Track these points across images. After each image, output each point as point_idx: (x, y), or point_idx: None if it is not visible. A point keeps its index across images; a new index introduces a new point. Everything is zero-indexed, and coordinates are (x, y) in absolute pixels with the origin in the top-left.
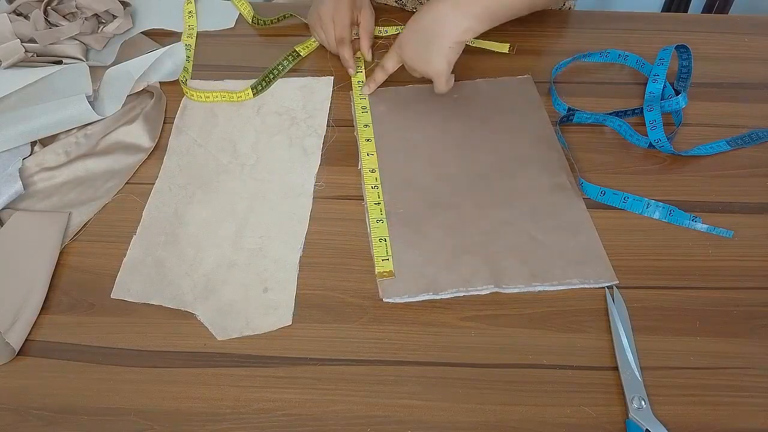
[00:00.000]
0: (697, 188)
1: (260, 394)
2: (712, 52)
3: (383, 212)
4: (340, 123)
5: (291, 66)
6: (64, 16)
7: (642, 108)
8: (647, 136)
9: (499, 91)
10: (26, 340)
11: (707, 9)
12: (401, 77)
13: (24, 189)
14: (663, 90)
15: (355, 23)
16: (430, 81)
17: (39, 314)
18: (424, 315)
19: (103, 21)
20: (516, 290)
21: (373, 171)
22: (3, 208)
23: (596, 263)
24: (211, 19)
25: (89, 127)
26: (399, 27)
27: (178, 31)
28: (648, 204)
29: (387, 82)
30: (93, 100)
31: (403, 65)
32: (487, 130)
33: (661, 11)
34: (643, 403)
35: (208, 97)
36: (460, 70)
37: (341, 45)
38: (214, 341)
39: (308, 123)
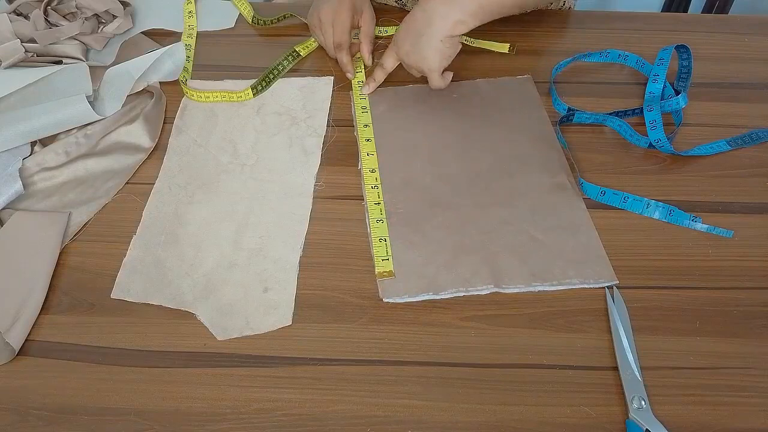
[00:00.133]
0: (697, 188)
1: (260, 394)
2: (712, 52)
3: (383, 212)
4: (340, 123)
5: (291, 66)
6: (64, 16)
7: (642, 108)
8: (647, 136)
9: (499, 91)
10: (26, 340)
11: (707, 9)
12: (401, 77)
13: (24, 189)
14: (663, 90)
15: (355, 27)
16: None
17: (39, 314)
18: (424, 315)
19: (103, 21)
20: (516, 290)
21: (373, 171)
22: (3, 208)
23: (596, 263)
24: (211, 19)
25: (89, 127)
26: (399, 27)
27: (178, 31)
28: (648, 204)
29: (387, 82)
30: (93, 100)
31: (401, 63)
32: (487, 130)
33: (661, 11)
34: (643, 403)
35: (208, 97)
36: (460, 70)
37: (339, 50)
38: (214, 341)
39: (308, 123)
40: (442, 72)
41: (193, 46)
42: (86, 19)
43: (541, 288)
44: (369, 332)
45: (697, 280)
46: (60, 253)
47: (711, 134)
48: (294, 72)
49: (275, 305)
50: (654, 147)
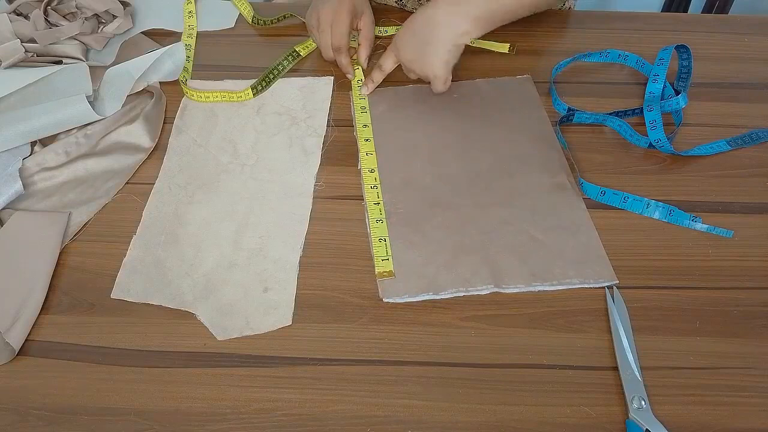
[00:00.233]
0: (697, 188)
1: (260, 394)
2: (712, 52)
3: (383, 212)
4: (340, 123)
5: (291, 66)
6: (64, 16)
7: (642, 108)
8: (647, 136)
9: (499, 91)
10: (26, 340)
11: (707, 9)
12: (401, 77)
13: (24, 189)
14: (663, 90)
15: (354, 29)
16: (428, 81)
17: (39, 314)
18: (424, 315)
19: (103, 21)
20: (516, 290)
21: (372, 171)
22: (3, 208)
23: (596, 263)
24: (211, 19)
25: (89, 127)
26: (399, 27)
27: (178, 31)
28: (648, 204)
29: (387, 82)
30: (93, 100)
31: (400, 65)
32: (486, 130)
33: (661, 11)
34: (643, 403)
35: (208, 97)
36: (460, 70)
37: (338, 53)
38: (214, 341)
39: (308, 123)
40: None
41: (193, 46)
42: (86, 19)
43: (541, 288)
44: (369, 332)
45: (697, 280)
46: (60, 253)
47: (711, 134)
48: (294, 72)
49: (275, 305)
50: (654, 147)
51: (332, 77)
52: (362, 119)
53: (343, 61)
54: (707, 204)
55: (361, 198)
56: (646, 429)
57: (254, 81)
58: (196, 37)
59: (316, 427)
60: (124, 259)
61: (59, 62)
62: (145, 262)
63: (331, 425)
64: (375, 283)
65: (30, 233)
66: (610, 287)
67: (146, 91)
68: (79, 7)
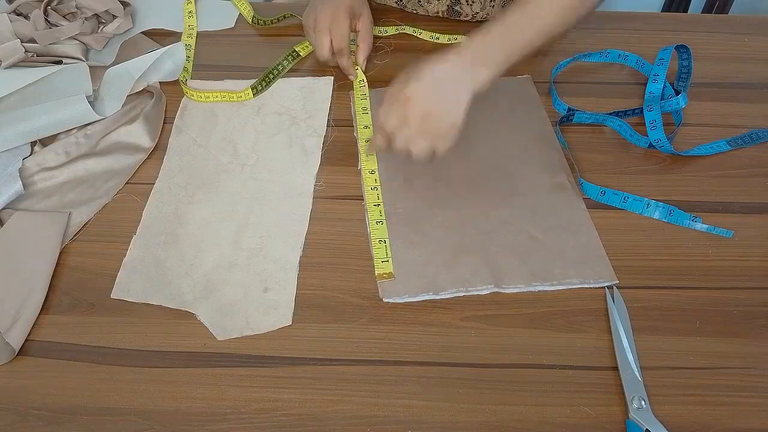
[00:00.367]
0: (697, 188)
1: (260, 394)
2: (712, 52)
3: (383, 214)
4: (340, 123)
5: (291, 66)
6: (64, 16)
7: (642, 108)
8: (647, 136)
9: (499, 91)
10: (26, 340)
11: (707, 9)
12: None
13: (24, 189)
14: (663, 90)
15: (353, 31)
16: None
17: (39, 314)
18: (424, 315)
19: (103, 21)
20: (516, 290)
21: (372, 172)
22: (3, 208)
23: (596, 263)
24: (211, 19)
25: (89, 127)
26: (399, 27)
27: (178, 31)
28: (648, 204)
29: (385, 82)
30: (93, 100)
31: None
32: (486, 130)
33: (661, 11)
34: (643, 403)
35: (208, 97)
36: None
37: (340, 55)
38: (214, 341)
39: (308, 123)
40: None
41: (193, 46)
42: (86, 19)
43: (541, 288)
44: (369, 332)
45: (697, 280)
46: (60, 253)
47: (711, 134)
48: (294, 72)
49: (275, 305)
50: (654, 147)
51: (332, 77)
52: (364, 120)
53: (345, 63)
54: (707, 204)
55: (360, 198)
56: (646, 429)
57: (254, 81)
58: (196, 37)
59: (316, 427)
60: (124, 259)
61: (59, 62)
62: (145, 262)
63: (331, 425)
64: (375, 283)
65: (30, 233)
66: (610, 287)
67: (146, 91)
68: (79, 7)
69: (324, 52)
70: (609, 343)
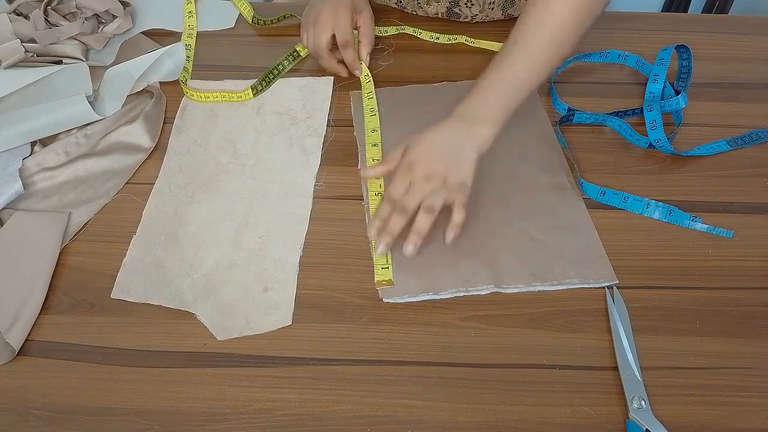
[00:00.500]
0: (697, 188)
1: (260, 394)
2: (712, 52)
3: None
4: (340, 123)
5: (291, 66)
6: (64, 16)
7: (642, 108)
8: (647, 136)
9: None
10: (26, 340)
11: (707, 9)
12: (400, 77)
13: (24, 189)
14: (663, 90)
15: (354, 27)
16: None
17: (39, 314)
18: (424, 315)
19: (103, 21)
20: (516, 290)
21: (377, 177)
22: (3, 208)
23: (596, 263)
24: (211, 19)
25: (89, 127)
26: (399, 27)
27: (178, 31)
28: (648, 204)
29: (386, 82)
30: (93, 100)
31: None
32: None
33: (661, 11)
34: (643, 403)
35: (208, 97)
36: (460, 70)
37: (345, 49)
38: (214, 341)
39: (308, 123)
40: None
41: (193, 46)
42: (86, 19)
43: (541, 288)
44: (369, 332)
45: (697, 280)
46: (60, 253)
47: (711, 134)
48: (294, 72)
49: (275, 305)
50: (654, 147)
51: (332, 77)
52: (371, 123)
53: (350, 57)
54: (707, 204)
55: (360, 198)
56: (646, 429)
57: (254, 81)
58: (196, 37)
59: (316, 427)
60: (124, 259)
61: (59, 62)
62: (145, 262)
63: (331, 425)
64: (375, 280)
65: (30, 233)
66: (610, 287)
67: (146, 91)
68: (79, 7)
69: (321, 41)
70: (609, 343)
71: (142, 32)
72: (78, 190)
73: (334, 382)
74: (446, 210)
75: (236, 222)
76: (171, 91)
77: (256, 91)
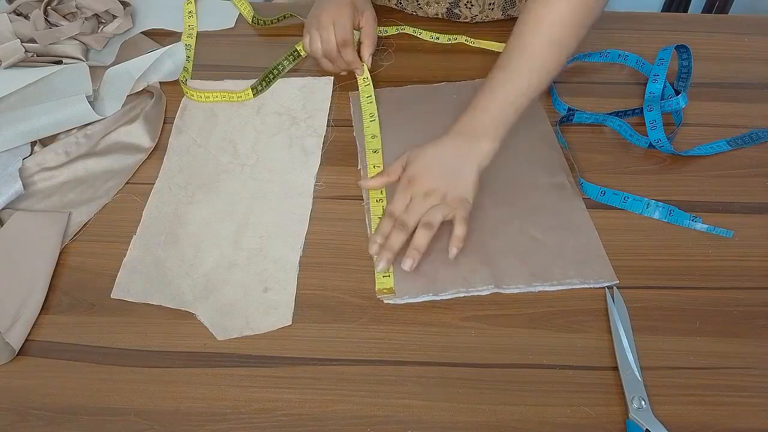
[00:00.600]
0: (697, 188)
1: (260, 394)
2: (712, 52)
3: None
4: (340, 123)
5: (291, 66)
6: (64, 16)
7: (642, 108)
8: (647, 136)
9: None
10: (26, 340)
11: (707, 9)
12: (399, 77)
13: (24, 189)
14: (663, 90)
15: (356, 27)
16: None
17: (39, 314)
18: (424, 315)
19: (103, 21)
20: (516, 290)
21: (377, 188)
22: (3, 208)
23: (596, 263)
24: (211, 19)
25: (89, 127)
26: (399, 27)
27: (178, 31)
28: (648, 204)
29: (386, 83)
30: (93, 100)
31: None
32: None
33: (661, 11)
34: (643, 403)
35: (208, 97)
36: (460, 70)
37: (345, 47)
38: (214, 341)
39: (308, 123)
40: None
41: (193, 46)
42: (86, 19)
43: (541, 288)
44: (369, 332)
45: (697, 280)
46: (60, 253)
47: (711, 134)
48: (294, 72)
49: (275, 305)
50: (654, 147)
51: (332, 77)
52: (371, 129)
53: (349, 56)
54: (707, 204)
55: (361, 198)
56: (646, 429)
57: (254, 81)
58: (196, 37)
59: (316, 427)
60: (124, 259)
61: (59, 62)
62: (145, 262)
63: (331, 425)
64: (375, 283)
65: (30, 233)
66: (610, 287)
67: (146, 91)
68: (79, 7)
69: (331, 44)
70: (609, 343)
71: (142, 32)
72: (78, 190)
73: (334, 382)
74: (448, 223)
75: (236, 222)
76: (171, 91)
77: (256, 91)
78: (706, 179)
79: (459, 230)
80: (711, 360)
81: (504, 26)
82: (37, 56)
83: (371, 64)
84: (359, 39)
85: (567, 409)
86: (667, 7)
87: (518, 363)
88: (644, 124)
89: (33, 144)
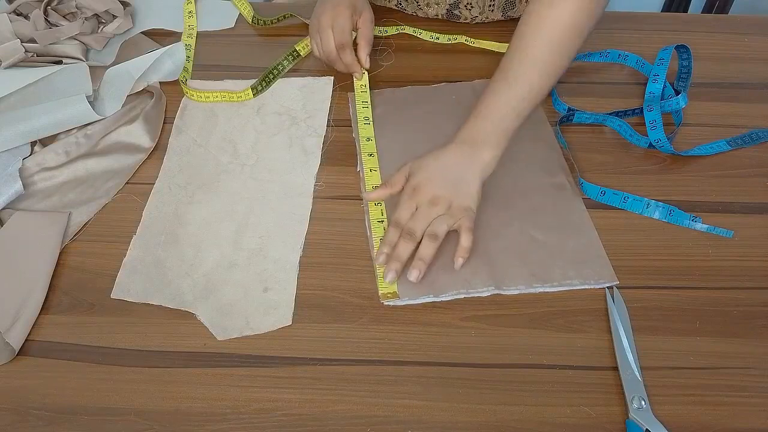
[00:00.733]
0: (697, 188)
1: (260, 394)
2: (712, 52)
3: (384, 214)
4: (340, 123)
5: (291, 66)
6: (64, 16)
7: (642, 108)
8: (647, 136)
9: None
10: (26, 340)
11: (707, 9)
12: (399, 77)
13: (24, 189)
14: (663, 90)
15: (354, 28)
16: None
17: (39, 314)
18: (424, 315)
19: (103, 21)
20: (516, 291)
21: (373, 170)
22: (3, 208)
23: (596, 263)
24: (211, 19)
25: (89, 127)
26: (399, 27)
27: (178, 31)
28: (648, 204)
29: (386, 83)
30: (93, 100)
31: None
32: None
33: (661, 11)
34: (643, 403)
35: (208, 97)
36: (459, 70)
37: (342, 50)
38: (214, 341)
39: (308, 123)
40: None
41: (193, 46)
42: (86, 19)
43: (541, 289)
44: (369, 332)
45: (697, 280)
46: (60, 253)
47: (711, 134)
48: (294, 72)
49: (275, 305)
50: (654, 147)
51: (332, 77)
52: (365, 131)
53: (348, 58)
54: (707, 204)
55: (361, 198)
56: (646, 429)
57: (254, 81)
58: (196, 37)
59: (316, 427)
60: (124, 259)
61: (59, 62)
62: (145, 262)
63: (331, 425)
64: (375, 283)
65: (30, 233)
66: (610, 287)
67: (146, 91)
68: (79, 7)
69: (330, 45)
70: (609, 343)
71: (142, 32)
72: (78, 190)
73: (334, 382)
74: (451, 231)
75: (236, 222)
76: (171, 91)
77: (256, 91)
78: (706, 179)
79: (465, 241)
80: (711, 360)
81: (504, 27)
82: (37, 56)
83: (370, 65)
84: (355, 39)
85: (567, 409)
86: (667, 7)
87: (518, 363)
88: (644, 124)
89: (33, 144)
